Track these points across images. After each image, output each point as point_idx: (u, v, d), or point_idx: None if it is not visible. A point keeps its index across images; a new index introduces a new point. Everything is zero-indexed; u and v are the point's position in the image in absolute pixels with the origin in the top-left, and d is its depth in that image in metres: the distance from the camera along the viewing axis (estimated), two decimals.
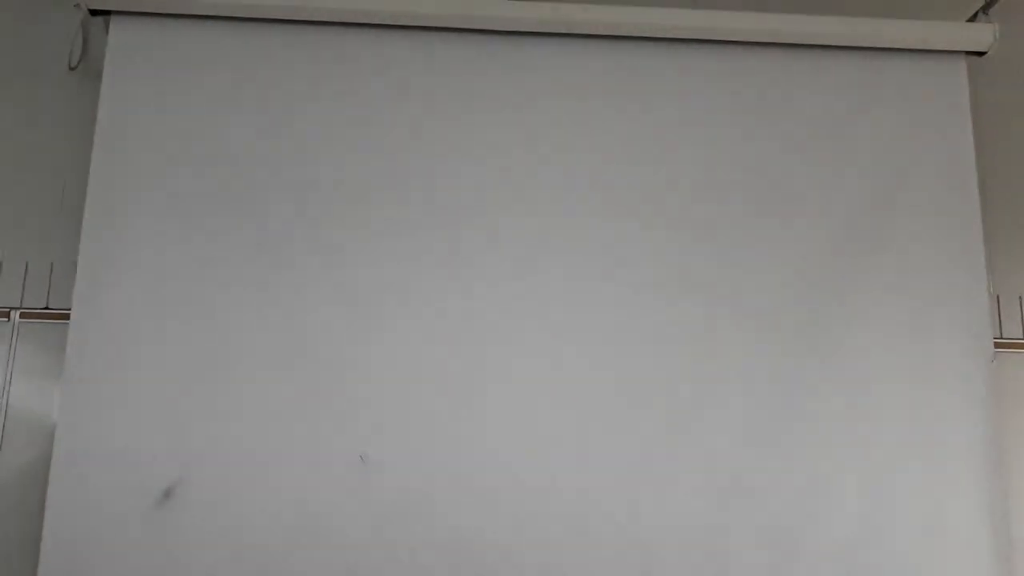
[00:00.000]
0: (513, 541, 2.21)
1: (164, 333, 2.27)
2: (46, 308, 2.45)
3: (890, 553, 2.26)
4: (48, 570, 2.13)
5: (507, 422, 2.27)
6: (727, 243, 2.42)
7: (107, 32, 2.46)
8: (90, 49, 2.56)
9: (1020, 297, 2.61)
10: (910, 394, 2.36)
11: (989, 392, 2.37)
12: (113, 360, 2.25)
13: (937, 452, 2.33)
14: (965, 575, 2.26)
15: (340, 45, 2.48)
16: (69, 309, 2.30)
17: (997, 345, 2.45)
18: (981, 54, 2.59)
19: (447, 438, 2.25)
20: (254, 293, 2.31)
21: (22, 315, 2.44)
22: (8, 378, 2.40)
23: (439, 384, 2.28)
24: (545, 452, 2.26)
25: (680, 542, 2.24)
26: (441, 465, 2.22)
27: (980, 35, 2.57)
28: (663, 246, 2.41)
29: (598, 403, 2.30)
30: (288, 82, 2.45)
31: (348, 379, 2.27)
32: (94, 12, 2.47)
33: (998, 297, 2.58)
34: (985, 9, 2.61)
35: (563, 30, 2.50)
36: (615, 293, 2.37)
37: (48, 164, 2.53)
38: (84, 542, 2.15)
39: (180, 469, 2.19)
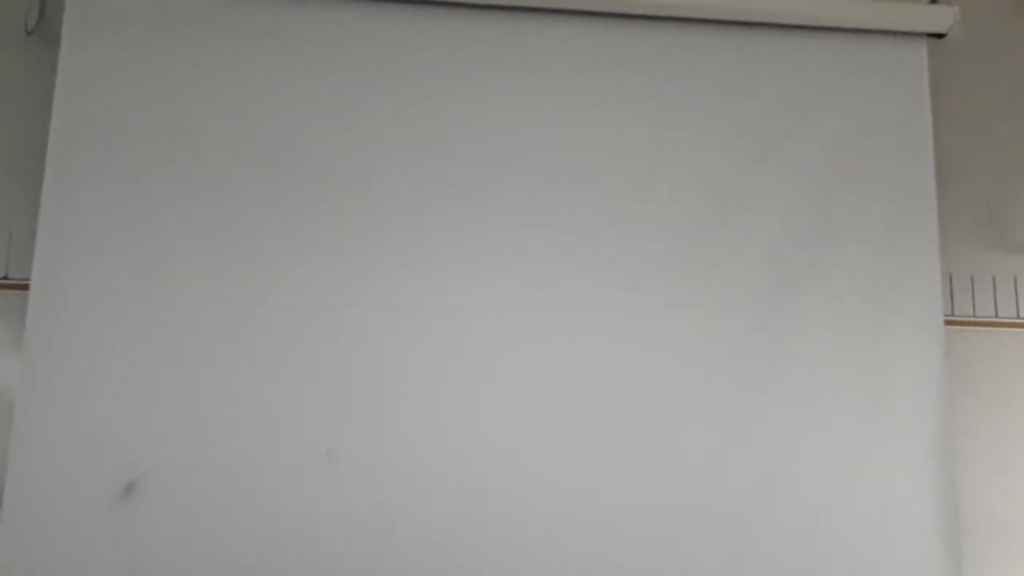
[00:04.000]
0: (483, 534, 2.21)
1: (127, 310, 2.24)
2: (5, 278, 2.42)
3: (845, 534, 2.31)
4: (2, 567, 2.10)
5: (477, 415, 2.27)
6: (686, 227, 2.44)
7: None
8: (47, 13, 2.51)
9: (972, 277, 2.67)
10: (864, 370, 2.41)
11: (940, 369, 2.42)
12: (75, 335, 2.22)
13: (890, 430, 2.38)
14: (915, 550, 2.33)
15: (317, 16, 2.43)
16: (28, 279, 2.27)
17: (948, 323, 2.51)
18: (941, 36, 2.62)
19: (416, 432, 2.23)
20: (220, 272, 2.27)
21: None
22: None
23: (408, 377, 2.26)
24: (515, 444, 2.25)
25: (640, 525, 2.26)
26: (410, 459, 2.21)
27: (941, 17, 2.60)
28: (626, 231, 2.41)
29: (565, 395, 2.30)
30: (259, 46, 2.41)
31: (316, 371, 2.24)
32: None
33: (951, 276, 2.64)
34: None
35: (533, 5, 2.48)
36: (577, 282, 2.37)
37: (3, 131, 2.48)
38: (41, 538, 2.11)
39: (143, 462, 2.15)
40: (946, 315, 2.50)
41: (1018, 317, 2.66)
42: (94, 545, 2.11)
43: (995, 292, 2.67)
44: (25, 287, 2.27)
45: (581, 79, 2.49)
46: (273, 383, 2.22)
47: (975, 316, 2.65)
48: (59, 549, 2.10)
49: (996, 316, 2.66)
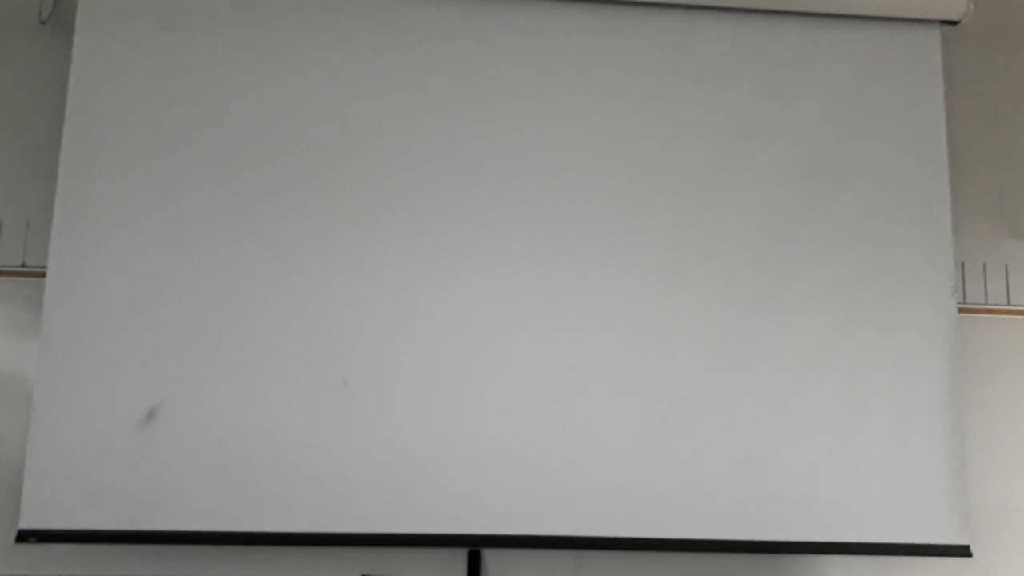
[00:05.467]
0: (487, 462, 2.30)
1: (142, 272, 2.30)
2: (22, 266, 2.44)
3: (852, 481, 2.36)
4: (32, 491, 2.19)
5: (482, 348, 2.35)
6: (708, 195, 2.47)
7: None
8: (61, 2, 2.52)
9: (984, 264, 2.67)
10: (877, 344, 2.44)
11: (951, 345, 2.44)
12: (95, 294, 2.29)
13: (901, 390, 2.42)
14: (923, 499, 2.38)
15: (330, 3, 2.47)
16: (45, 267, 2.30)
17: (961, 311, 2.52)
18: (954, 23, 2.61)
19: (425, 363, 2.33)
20: (233, 224, 2.34)
21: None
22: None
23: (418, 314, 2.35)
24: (521, 378, 2.34)
25: (655, 467, 2.33)
26: (419, 387, 2.31)
27: (954, 4, 2.59)
28: (649, 187, 2.46)
29: (578, 337, 2.37)
30: (270, 35, 2.44)
31: (334, 309, 2.33)
32: None
33: (963, 264, 2.64)
34: None
35: None
36: (590, 227, 2.43)
37: (19, 121, 2.50)
38: (68, 463, 2.21)
39: (164, 391, 2.25)
40: (959, 303, 2.51)
41: None
42: (119, 465, 2.22)
43: (1007, 280, 2.67)
44: (42, 275, 2.31)
45: (591, 62, 2.50)
46: (294, 321, 2.31)
47: (987, 304, 2.65)
48: (86, 470, 2.21)
49: (1008, 304, 2.66)
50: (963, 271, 2.65)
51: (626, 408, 2.36)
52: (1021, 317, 2.65)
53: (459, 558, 2.39)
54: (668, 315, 2.40)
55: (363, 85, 2.44)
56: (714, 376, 2.39)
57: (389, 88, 2.44)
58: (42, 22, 2.51)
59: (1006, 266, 2.68)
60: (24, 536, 2.19)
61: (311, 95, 2.42)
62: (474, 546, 2.36)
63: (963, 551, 2.37)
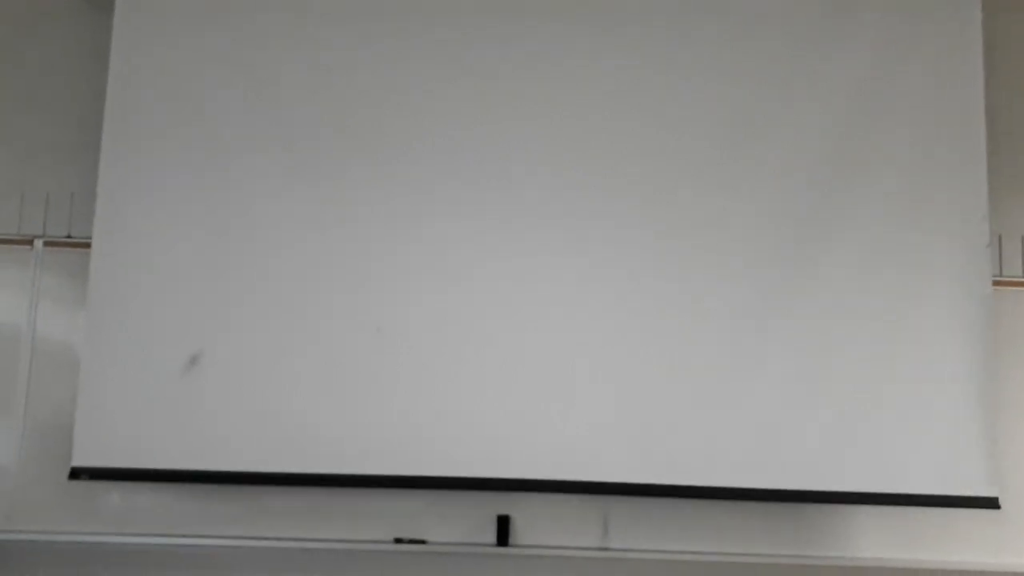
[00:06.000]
0: (515, 411, 2.37)
1: (183, 231, 2.40)
2: (68, 237, 2.53)
3: (883, 435, 2.38)
4: (83, 432, 2.33)
5: (508, 299, 2.41)
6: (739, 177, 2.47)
7: None
8: None
9: (1022, 237, 2.62)
10: (911, 307, 2.44)
11: (985, 308, 2.43)
12: (138, 253, 2.40)
13: (933, 347, 2.42)
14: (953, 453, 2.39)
15: None
16: (90, 238, 2.40)
17: (997, 284, 2.48)
18: None
19: (460, 314, 2.40)
20: (272, 183, 2.42)
21: (45, 243, 2.53)
22: (35, 303, 2.51)
23: (453, 264, 2.42)
24: (549, 329, 2.40)
25: (687, 418, 2.38)
26: (449, 335, 2.39)
27: None
28: (680, 145, 2.47)
29: (612, 289, 2.42)
30: (307, 4, 2.48)
31: (365, 259, 2.42)
32: None
33: (1000, 236, 2.60)
34: None
35: None
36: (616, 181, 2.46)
37: (63, 96, 2.59)
38: (116, 406, 2.35)
39: (205, 340, 2.37)
40: (994, 276, 2.48)
41: None
42: (164, 409, 2.35)
43: None
44: (87, 245, 2.40)
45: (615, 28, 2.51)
46: (329, 274, 2.41)
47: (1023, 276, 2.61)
48: (133, 413, 2.35)
49: None
50: (1000, 244, 2.60)
51: (659, 360, 2.40)
52: None
53: (488, 520, 2.46)
54: (709, 275, 2.43)
55: (414, 52, 2.48)
56: (748, 331, 2.41)
57: (441, 59, 2.49)
58: None
59: None
60: (76, 474, 2.33)
61: (358, 59, 2.47)
62: (501, 490, 2.42)
63: (992, 503, 2.38)
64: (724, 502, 2.43)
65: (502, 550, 2.44)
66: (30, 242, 2.53)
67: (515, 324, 2.40)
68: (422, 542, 2.45)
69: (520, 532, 2.47)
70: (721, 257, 2.43)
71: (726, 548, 2.48)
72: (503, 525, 2.46)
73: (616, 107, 2.47)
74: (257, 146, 2.43)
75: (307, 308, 2.39)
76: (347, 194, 2.43)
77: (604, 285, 2.42)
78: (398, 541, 2.45)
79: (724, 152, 2.47)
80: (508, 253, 2.43)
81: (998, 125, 2.56)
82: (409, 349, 2.39)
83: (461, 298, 2.41)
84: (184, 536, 2.44)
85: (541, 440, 2.36)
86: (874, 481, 2.37)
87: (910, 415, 2.39)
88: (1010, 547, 2.50)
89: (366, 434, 2.36)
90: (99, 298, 2.38)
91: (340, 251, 2.41)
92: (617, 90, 2.48)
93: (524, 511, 2.47)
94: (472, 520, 2.47)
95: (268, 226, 2.41)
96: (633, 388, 2.38)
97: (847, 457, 2.38)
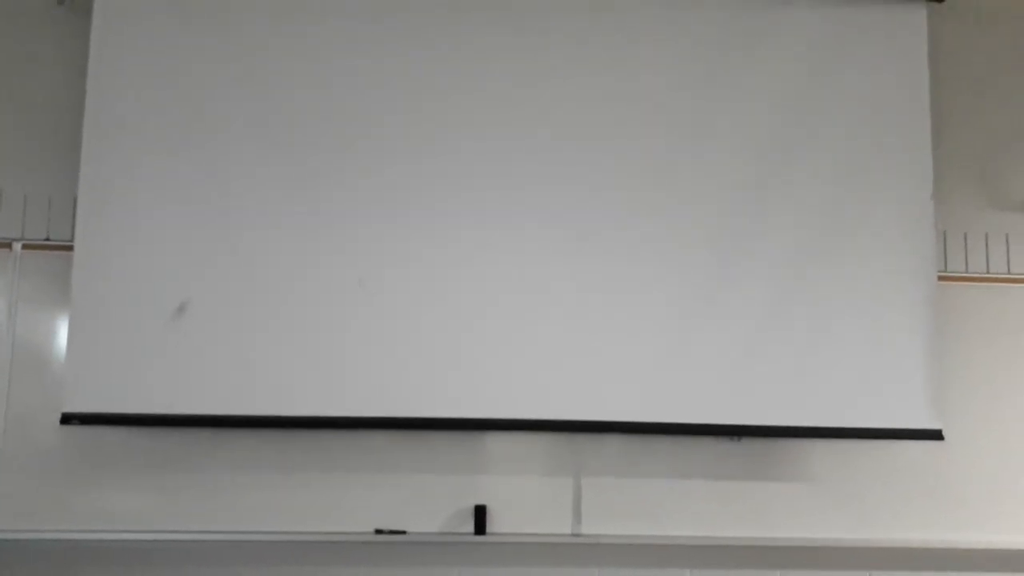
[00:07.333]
0: (494, 356, 2.49)
1: (168, 185, 2.46)
2: (47, 240, 2.56)
3: (835, 376, 2.55)
4: (73, 378, 2.38)
5: (492, 252, 2.52)
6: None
7: None
8: None
9: (965, 234, 2.78)
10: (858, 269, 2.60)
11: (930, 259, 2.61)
12: (124, 205, 2.45)
13: (882, 297, 2.60)
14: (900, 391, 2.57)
15: None
16: (69, 241, 2.44)
17: (942, 279, 2.64)
18: (940, 0, 2.70)
19: (438, 266, 2.51)
20: (254, 149, 2.49)
21: (24, 246, 2.55)
22: (14, 306, 2.53)
23: (431, 218, 2.52)
24: (528, 281, 2.52)
25: (654, 360, 2.53)
26: (430, 288, 2.49)
27: None
28: (657, 132, 2.61)
29: (582, 241, 2.54)
30: (283, 9, 2.54)
31: (347, 212, 2.50)
32: None
33: (945, 233, 2.75)
34: None
35: None
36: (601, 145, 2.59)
37: (40, 99, 2.60)
38: (105, 353, 2.40)
39: (192, 289, 2.43)
40: (939, 271, 2.63)
41: (1009, 273, 2.77)
42: (153, 356, 2.41)
43: (987, 249, 2.78)
44: (66, 248, 2.44)
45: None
46: (312, 226, 2.49)
47: (967, 272, 2.76)
48: (122, 360, 2.40)
49: (988, 272, 2.77)
50: (945, 240, 2.75)
51: (627, 308, 2.53)
52: (1000, 284, 2.76)
53: (466, 511, 2.55)
54: (670, 230, 2.57)
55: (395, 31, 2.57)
56: (710, 281, 2.56)
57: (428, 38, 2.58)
58: (59, 3, 2.59)
59: (986, 235, 2.78)
60: (67, 419, 2.37)
61: (338, 40, 2.55)
62: (478, 429, 2.55)
63: (935, 435, 2.55)
64: (689, 437, 2.60)
65: (480, 538, 2.53)
66: (8, 245, 2.54)
67: (485, 279, 2.51)
68: (402, 532, 2.53)
69: (496, 520, 2.56)
70: (686, 214, 2.58)
71: (695, 479, 2.64)
72: (480, 514, 2.55)
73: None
74: (240, 112, 2.50)
75: (290, 259, 2.47)
76: (331, 154, 2.51)
77: (569, 233, 2.54)
78: (379, 532, 2.53)
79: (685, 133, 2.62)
80: (480, 213, 2.53)
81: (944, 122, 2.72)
82: (389, 300, 2.48)
83: (439, 252, 2.51)
84: (164, 532, 2.47)
85: (515, 383, 2.48)
86: (828, 416, 2.54)
87: (861, 357, 2.56)
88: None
89: (346, 378, 2.45)
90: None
91: (322, 205, 2.49)
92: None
93: (499, 499, 2.57)
94: (451, 509, 2.55)
95: (254, 188, 2.48)
96: (600, 333, 2.51)
97: (805, 397, 2.54)
